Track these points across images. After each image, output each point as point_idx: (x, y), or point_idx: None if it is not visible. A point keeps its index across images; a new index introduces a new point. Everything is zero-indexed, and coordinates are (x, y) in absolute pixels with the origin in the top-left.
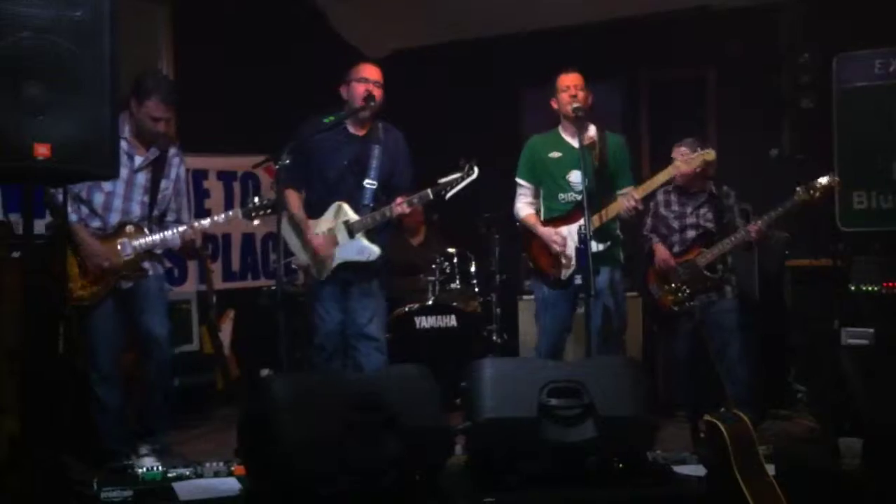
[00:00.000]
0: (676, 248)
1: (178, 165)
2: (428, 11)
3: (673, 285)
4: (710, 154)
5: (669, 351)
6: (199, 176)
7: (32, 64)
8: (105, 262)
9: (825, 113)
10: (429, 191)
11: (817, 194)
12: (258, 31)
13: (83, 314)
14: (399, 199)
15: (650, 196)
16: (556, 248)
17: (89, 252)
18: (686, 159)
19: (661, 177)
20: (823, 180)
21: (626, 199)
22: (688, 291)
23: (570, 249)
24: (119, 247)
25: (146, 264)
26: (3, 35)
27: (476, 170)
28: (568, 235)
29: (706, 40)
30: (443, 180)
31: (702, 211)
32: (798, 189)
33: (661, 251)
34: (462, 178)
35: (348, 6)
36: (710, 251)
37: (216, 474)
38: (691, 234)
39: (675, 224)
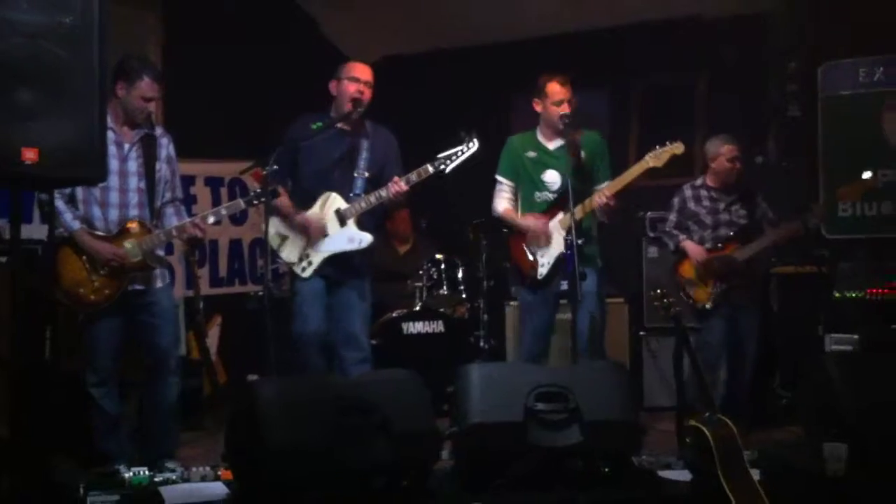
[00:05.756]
0: (708, 245)
1: (168, 145)
2: (418, 19)
3: (708, 281)
4: (679, 147)
5: (688, 352)
6: (186, 182)
7: (22, 70)
8: (114, 261)
9: (812, 120)
10: (428, 165)
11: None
12: (248, 37)
13: (87, 317)
14: (396, 178)
15: (670, 193)
16: (539, 231)
17: (96, 253)
18: (655, 154)
19: (633, 171)
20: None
21: (599, 195)
22: (724, 287)
23: (552, 237)
24: (126, 248)
25: (157, 271)
26: None
27: (476, 141)
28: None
29: (695, 48)
30: (442, 154)
31: (734, 207)
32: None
33: (693, 247)
34: (462, 151)
35: (339, 13)
36: (749, 246)
37: (203, 479)
38: (724, 231)
39: (708, 220)
